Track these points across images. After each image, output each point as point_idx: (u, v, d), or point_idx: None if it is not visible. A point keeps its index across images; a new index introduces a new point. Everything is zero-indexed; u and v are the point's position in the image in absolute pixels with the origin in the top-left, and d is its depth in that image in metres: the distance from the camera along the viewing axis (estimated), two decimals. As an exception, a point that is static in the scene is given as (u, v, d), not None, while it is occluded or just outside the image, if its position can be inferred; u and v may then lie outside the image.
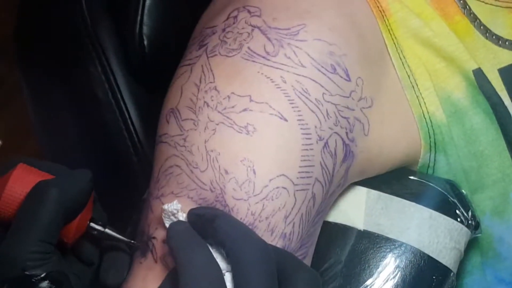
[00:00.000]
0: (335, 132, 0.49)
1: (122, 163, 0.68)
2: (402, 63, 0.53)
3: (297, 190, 0.47)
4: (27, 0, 0.73)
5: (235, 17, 0.50)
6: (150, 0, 0.65)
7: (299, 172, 0.47)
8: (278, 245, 0.47)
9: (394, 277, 0.52)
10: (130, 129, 0.67)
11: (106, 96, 0.66)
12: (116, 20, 0.67)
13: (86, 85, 0.67)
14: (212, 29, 0.50)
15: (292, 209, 0.47)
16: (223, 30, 0.49)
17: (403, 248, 0.53)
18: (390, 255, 0.53)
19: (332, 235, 0.54)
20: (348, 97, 0.49)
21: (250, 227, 0.46)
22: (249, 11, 0.50)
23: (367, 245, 0.53)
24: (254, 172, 0.46)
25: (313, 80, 0.48)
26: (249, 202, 0.46)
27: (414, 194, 0.54)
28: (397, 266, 0.53)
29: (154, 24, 0.66)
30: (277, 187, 0.46)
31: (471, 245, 0.56)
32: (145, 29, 0.65)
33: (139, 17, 0.65)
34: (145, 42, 0.65)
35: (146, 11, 0.65)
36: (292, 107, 0.47)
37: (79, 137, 0.70)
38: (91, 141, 0.70)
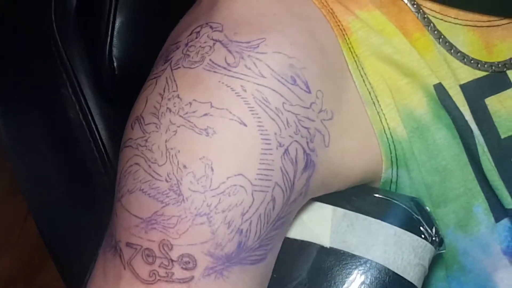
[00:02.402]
0: (296, 141, 0.49)
1: (93, 182, 0.68)
2: (363, 80, 0.54)
3: (255, 191, 0.48)
4: (1, 21, 0.74)
5: (198, 32, 0.51)
6: (120, 22, 0.66)
7: (257, 174, 0.48)
8: (234, 240, 0.47)
9: (359, 294, 0.52)
10: (101, 149, 0.67)
11: (77, 117, 0.67)
12: (86, 42, 0.68)
13: (57, 106, 0.68)
14: (176, 45, 0.51)
15: (249, 207, 0.48)
16: (186, 44, 0.50)
17: (368, 265, 0.53)
18: (355, 271, 0.53)
19: (298, 252, 0.54)
20: (308, 108, 0.50)
21: (205, 217, 0.47)
22: (211, 27, 0.51)
23: (333, 262, 0.53)
24: (212, 169, 0.47)
25: (273, 90, 0.49)
26: (205, 195, 0.47)
27: (379, 212, 0.54)
28: (363, 283, 0.52)
29: (124, 46, 0.67)
30: (235, 185, 0.47)
31: (436, 259, 0.56)
32: (114, 51, 0.66)
33: (109, 39, 0.66)
34: (115, 64, 0.66)
35: (115, 33, 0.66)
36: (252, 114, 0.48)
37: (51, 157, 0.71)
38: (63, 161, 0.70)
